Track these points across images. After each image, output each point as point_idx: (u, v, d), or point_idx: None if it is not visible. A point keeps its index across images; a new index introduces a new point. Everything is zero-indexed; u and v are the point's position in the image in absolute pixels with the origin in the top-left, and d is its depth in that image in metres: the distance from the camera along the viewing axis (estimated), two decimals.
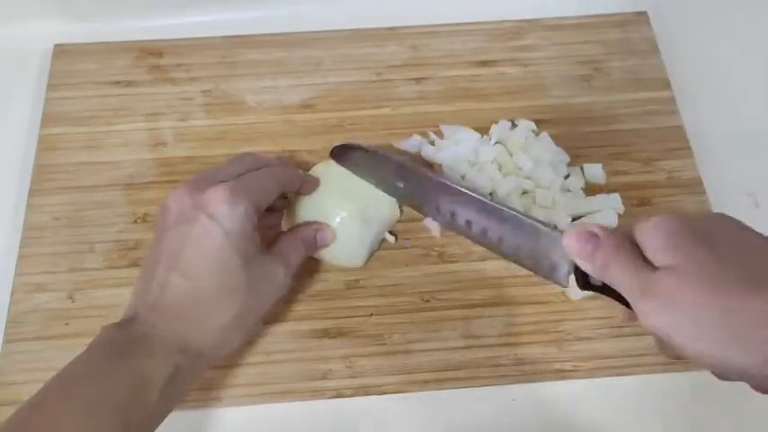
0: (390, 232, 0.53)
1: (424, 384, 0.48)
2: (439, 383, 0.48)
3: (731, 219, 0.36)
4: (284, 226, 0.51)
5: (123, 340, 0.41)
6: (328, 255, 0.50)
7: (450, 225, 0.49)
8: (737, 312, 0.32)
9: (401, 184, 0.49)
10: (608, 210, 0.53)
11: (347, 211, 0.49)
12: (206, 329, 0.42)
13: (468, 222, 0.47)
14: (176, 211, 0.42)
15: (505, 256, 0.46)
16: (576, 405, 0.48)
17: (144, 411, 0.39)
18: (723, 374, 0.34)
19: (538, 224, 0.43)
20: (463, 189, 0.47)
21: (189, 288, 0.41)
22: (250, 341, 0.49)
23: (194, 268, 0.41)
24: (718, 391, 0.48)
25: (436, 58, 0.61)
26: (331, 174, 0.50)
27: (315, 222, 0.49)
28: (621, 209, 0.53)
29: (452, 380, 0.48)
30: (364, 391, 0.48)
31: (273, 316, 0.50)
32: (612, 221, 0.52)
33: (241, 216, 0.42)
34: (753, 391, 0.49)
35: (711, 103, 0.60)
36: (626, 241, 0.36)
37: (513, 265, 0.51)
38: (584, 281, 0.39)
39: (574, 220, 0.52)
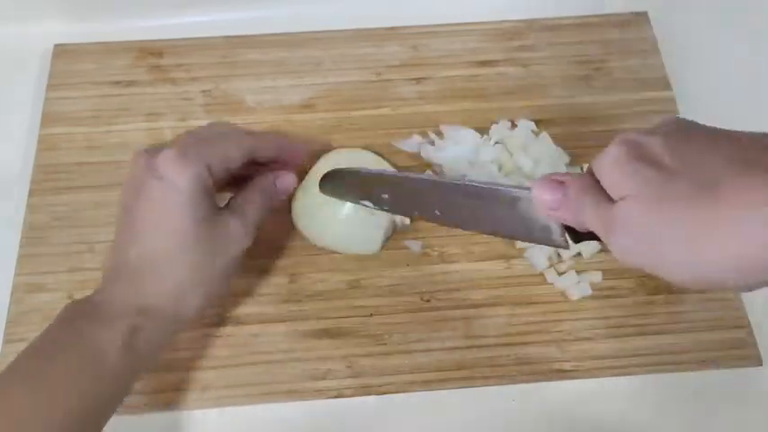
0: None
1: (424, 384, 0.48)
2: (439, 383, 0.48)
3: (685, 121, 0.34)
4: (296, 221, 0.51)
5: (76, 313, 0.41)
6: (344, 244, 0.51)
7: (439, 220, 0.47)
8: (688, 226, 0.29)
9: (386, 195, 0.48)
10: None
11: None
12: (162, 288, 0.42)
13: (455, 212, 0.45)
14: (130, 177, 0.43)
15: (498, 235, 0.45)
16: (576, 405, 0.48)
17: (103, 379, 0.40)
18: (720, 287, 0.32)
19: (514, 190, 0.41)
20: (435, 179, 0.46)
21: (141, 251, 0.42)
22: (247, 343, 0.49)
23: (145, 230, 0.42)
24: (719, 391, 0.49)
25: (436, 58, 0.61)
26: (336, 163, 0.51)
27: (274, 173, 0.48)
28: None
29: (452, 380, 0.48)
30: (364, 391, 0.48)
31: (273, 316, 0.50)
32: None
33: (191, 177, 0.42)
34: (752, 391, 0.49)
35: (711, 103, 0.59)
36: (591, 180, 0.35)
37: (514, 265, 0.52)
38: (574, 233, 0.38)
39: None
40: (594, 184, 0.35)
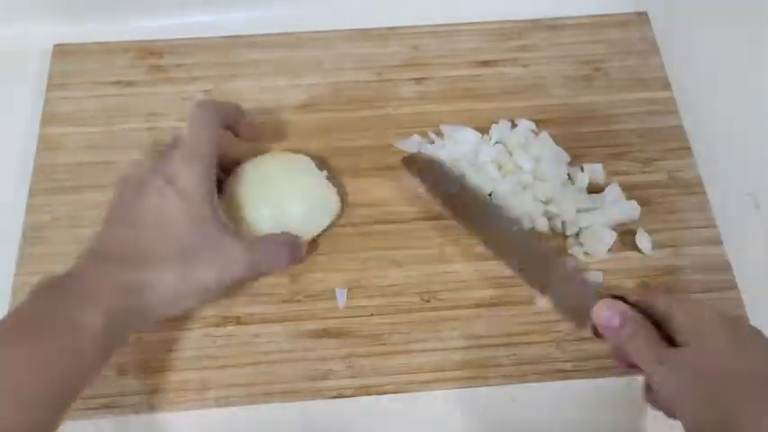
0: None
1: (424, 384, 0.48)
2: (439, 383, 0.48)
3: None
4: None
5: (54, 290, 0.40)
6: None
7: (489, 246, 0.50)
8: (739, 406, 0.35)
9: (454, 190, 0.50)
10: (609, 206, 0.53)
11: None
12: (146, 278, 0.42)
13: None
14: (134, 177, 0.45)
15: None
16: (577, 405, 0.48)
17: (79, 361, 0.39)
18: None
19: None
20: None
21: (133, 236, 0.43)
22: (247, 342, 0.49)
23: (142, 221, 0.43)
24: None
25: (436, 58, 0.61)
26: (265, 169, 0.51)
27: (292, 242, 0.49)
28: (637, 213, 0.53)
29: (452, 380, 0.48)
30: (364, 391, 0.48)
31: (273, 316, 0.50)
32: (634, 212, 0.53)
33: (196, 174, 0.44)
34: None
35: (711, 103, 0.60)
36: (647, 319, 0.40)
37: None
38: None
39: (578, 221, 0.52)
40: (650, 325, 0.40)
